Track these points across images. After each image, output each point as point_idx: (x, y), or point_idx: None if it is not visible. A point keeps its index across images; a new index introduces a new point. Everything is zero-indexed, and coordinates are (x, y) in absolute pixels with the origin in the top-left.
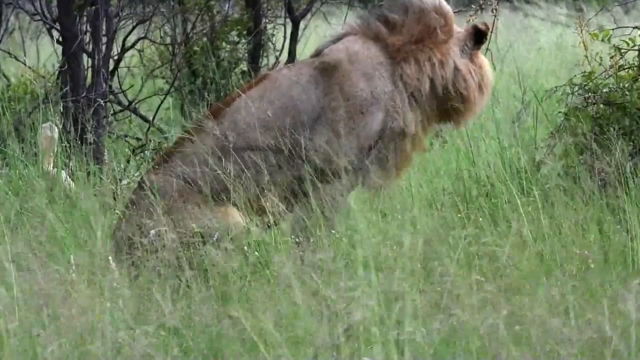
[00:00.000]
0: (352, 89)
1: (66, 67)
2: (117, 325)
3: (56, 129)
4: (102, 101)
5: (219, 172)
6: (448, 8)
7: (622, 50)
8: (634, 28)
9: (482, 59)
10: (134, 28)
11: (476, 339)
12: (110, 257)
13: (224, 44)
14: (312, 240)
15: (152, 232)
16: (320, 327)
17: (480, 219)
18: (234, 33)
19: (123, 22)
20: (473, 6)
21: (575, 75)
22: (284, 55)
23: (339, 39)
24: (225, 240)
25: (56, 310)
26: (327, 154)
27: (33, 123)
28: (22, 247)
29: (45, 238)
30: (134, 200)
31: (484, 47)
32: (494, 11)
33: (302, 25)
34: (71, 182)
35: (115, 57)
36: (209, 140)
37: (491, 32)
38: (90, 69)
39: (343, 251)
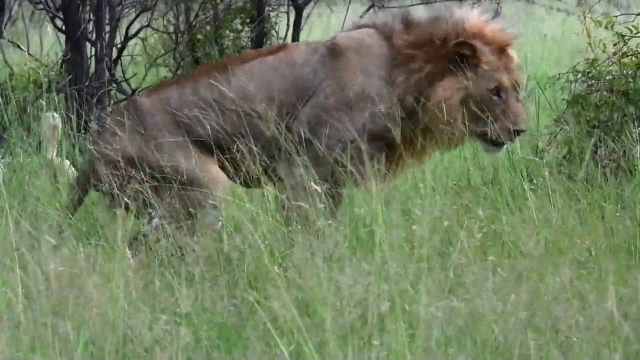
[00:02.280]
0: (350, 81)
1: (69, 55)
2: (129, 313)
3: (59, 118)
4: (105, 90)
5: (214, 124)
6: (478, 28)
7: (626, 37)
8: (637, 15)
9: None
10: (137, 16)
11: (487, 325)
12: (125, 246)
13: (227, 32)
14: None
15: (155, 220)
16: (334, 313)
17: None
18: (237, 21)
19: (126, 10)
20: None
21: (579, 63)
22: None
23: (358, 27)
24: (207, 197)
25: (66, 298)
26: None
27: (36, 112)
28: (26, 236)
29: (49, 227)
30: (119, 118)
31: None
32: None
33: (305, 13)
34: (74, 170)
35: (119, 46)
36: (213, 88)
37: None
38: (93, 58)
39: (349, 237)
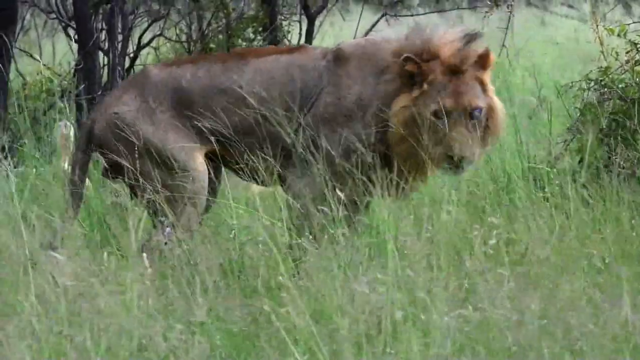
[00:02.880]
0: (347, 89)
1: (82, 65)
2: (144, 321)
3: (72, 127)
4: None
5: (220, 113)
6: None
7: (638, 45)
8: None
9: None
10: (149, 25)
11: (501, 333)
12: (144, 254)
13: (239, 40)
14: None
15: (168, 229)
16: (348, 321)
17: (498, 215)
18: (249, 30)
19: (138, 19)
20: (489, 2)
21: (591, 71)
22: None
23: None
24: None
25: (81, 306)
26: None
27: (49, 121)
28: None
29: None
30: (127, 83)
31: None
32: (509, 7)
33: (317, 21)
34: (88, 180)
35: (131, 55)
36: (226, 76)
37: (506, 28)
38: (106, 67)
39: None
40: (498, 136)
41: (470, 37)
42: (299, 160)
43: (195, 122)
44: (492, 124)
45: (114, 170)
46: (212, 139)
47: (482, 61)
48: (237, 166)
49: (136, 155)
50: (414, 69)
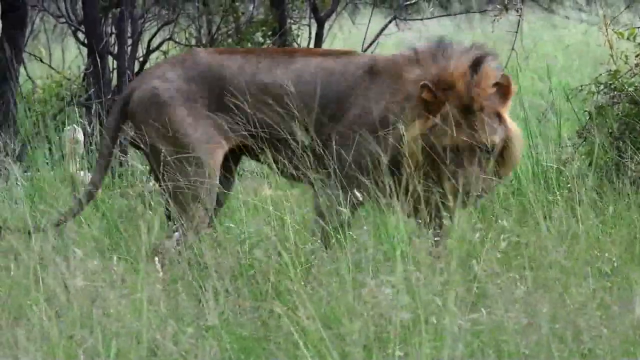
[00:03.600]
0: (375, 104)
1: (91, 69)
2: (155, 325)
3: (81, 132)
4: None
5: (257, 112)
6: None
7: None
8: None
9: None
10: (159, 30)
11: (511, 337)
12: (156, 259)
13: (249, 44)
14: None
15: (177, 233)
16: (360, 324)
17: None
18: (259, 34)
19: (148, 23)
20: (498, 6)
21: (601, 74)
22: None
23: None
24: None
25: (92, 310)
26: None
27: (58, 125)
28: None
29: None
30: (174, 60)
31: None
32: (518, 11)
33: (327, 25)
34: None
35: (141, 59)
36: (270, 72)
37: (516, 32)
38: (115, 71)
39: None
40: (515, 165)
41: (479, 61)
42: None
43: (231, 114)
44: (508, 154)
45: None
46: (246, 133)
47: (502, 91)
48: (269, 162)
49: (161, 136)
50: (430, 98)
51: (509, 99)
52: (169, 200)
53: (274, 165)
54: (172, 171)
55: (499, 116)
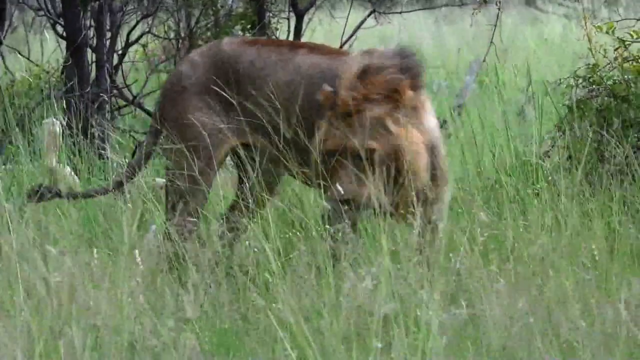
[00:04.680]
0: None
1: (70, 62)
2: (134, 318)
3: (59, 125)
4: (106, 96)
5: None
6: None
7: (627, 43)
8: (638, 20)
9: None
10: (137, 23)
11: (490, 330)
12: (136, 251)
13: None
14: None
15: (153, 227)
16: (340, 317)
17: (486, 211)
18: (238, 27)
19: (127, 16)
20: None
21: (580, 68)
22: None
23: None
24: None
25: (73, 304)
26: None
27: (37, 118)
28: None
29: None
30: (206, 48)
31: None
32: (498, 4)
33: (306, 19)
34: (75, 177)
35: (119, 52)
36: (283, 67)
37: (495, 25)
38: (94, 64)
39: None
40: (415, 176)
41: (365, 69)
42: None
43: (243, 109)
44: (399, 163)
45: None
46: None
47: (393, 99)
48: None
49: (172, 120)
50: (324, 102)
51: (400, 107)
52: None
53: (293, 168)
54: (176, 159)
55: (384, 124)
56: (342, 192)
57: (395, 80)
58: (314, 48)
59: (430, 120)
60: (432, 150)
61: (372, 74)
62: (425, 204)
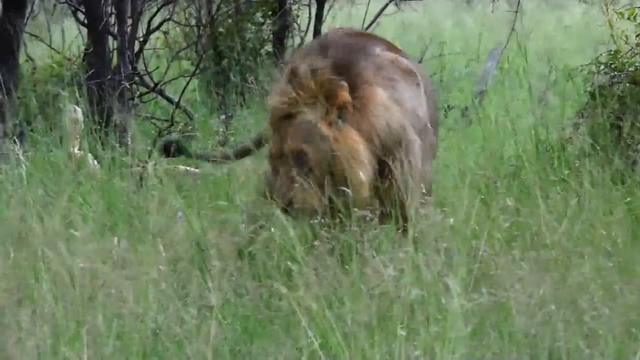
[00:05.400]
0: None
1: (91, 49)
2: (161, 306)
3: (81, 112)
4: (127, 83)
5: None
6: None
7: None
8: None
9: None
10: (159, 10)
11: (513, 317)
12: (158, 239)
13: (249, 25)
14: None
15: (180, 213)
16: (363, 304)
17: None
18: (259, 14)
19: (148, 3)
20: None
21: (601, 54)
22: (309, 36)
23: None
24: None
25: (95, 292)
26: None
27: (58, 106)
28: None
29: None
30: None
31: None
32: None
33: (327, 5)
34: (97, 164)
35: (141, 39)
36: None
37: (516, 12)
38: (115, 51)
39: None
40: (352, 180)
41: (293, 70)
42: None
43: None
44: (336, 167)
45: None
46: None
47: (330, 101)
48: None
49: None
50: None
51: (334, 109)
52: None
53: None
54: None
55: (317, 126)
56: (279, 199)
57: (328, 82)
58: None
59: (381, 114)
60: (388, 143)
61: (303, 77)
62: (396, 203)
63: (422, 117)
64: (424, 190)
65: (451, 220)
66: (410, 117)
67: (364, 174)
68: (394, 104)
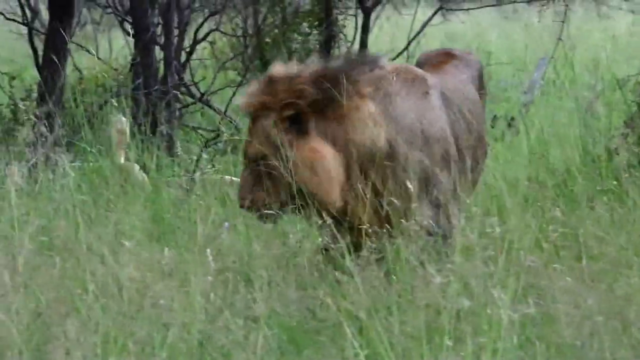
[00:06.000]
0: None
1: (138, 59)
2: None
3: (127, 122)
4: (174, 94)
5: None
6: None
7: None
8: None
9: None
10: (205, 20)
11: (561, 328)
12: (208, 250)
13: (295, 35)
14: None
15: (226, 223)
16: (410, 314)
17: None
18: (305, 24)
19: (194, 14)
20: None
21: None
22: (356, 46)
23: None
24: None
25: (141, 301)
26: None
27: (105, 116)
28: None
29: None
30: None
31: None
32: (565, 0)
33: (373, 15)
34: (144, 174)
35: (187, 49)
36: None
37: (563, 22)
38: (162, 62)
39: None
40: (311, 188)
41: (269, 76)
42: None
43: None
44: (298, 177)
45: None
46: None
47: (288, 108)
48: None
49: None
50: None
51: (285, 114)
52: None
53: None
54: None
55: (279, 131)
56: (239, 199)
57: (297, 91)
58: None
59: (363, 128)
60: (372, 158)
61: (275, 82)
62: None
63: (427, 129)
64: (441, 199)
65: (498, 230)
66: (407, 132)
67: (325, 183)
68: (385, 119)
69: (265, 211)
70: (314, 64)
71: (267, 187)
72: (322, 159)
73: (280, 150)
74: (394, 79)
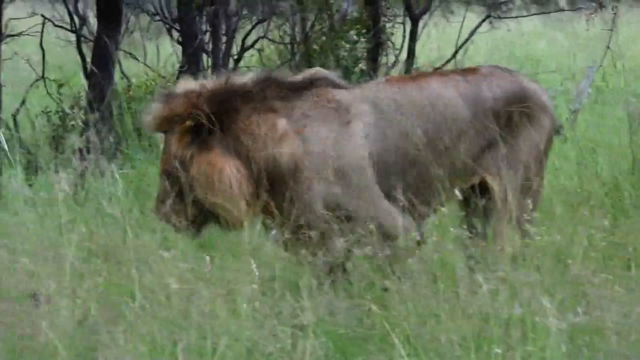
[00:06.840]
0: None
1: (186, 66)
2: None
3: None
4: None
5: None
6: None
7: None
8: None
9: None
10: (253, 27)
11: (609, 338)
12: (252, 258)
13: (343, 43)
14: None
15: (272, 231)
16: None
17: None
18: (352, 32)
19: (242, 21)
20: (593, 4)
21: None
22: (404, 54)
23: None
24: None
25: (187, 309)
26: None
27: None
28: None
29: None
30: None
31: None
32: (614, 8)
33: (421, 23)
34: None
35: (235, 57)
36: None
37: (611, 30)
38: (210, 69)
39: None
40: (215, 205)
41: (168, 94)
42: None
43: None
44: (197, 192)
45: None
46: None
47: (182, 123)
48: None
49: None
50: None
51: (180, 126)
52: None
53: None
54: None
55: (178, 146)
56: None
57: (194, 106)
58: None
59: (268, 143)
60: (277, 173)
61: (175, 99)
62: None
63: (343, 156)
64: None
65: (546, 238)
66: (315, 158)
67: (224, 198)
68: (294, 139)
69: (177, 225)
70: (217, 79)
71: (175, 202)
72: (220, 173)
73: (183, 165)
74: (316, 103)
